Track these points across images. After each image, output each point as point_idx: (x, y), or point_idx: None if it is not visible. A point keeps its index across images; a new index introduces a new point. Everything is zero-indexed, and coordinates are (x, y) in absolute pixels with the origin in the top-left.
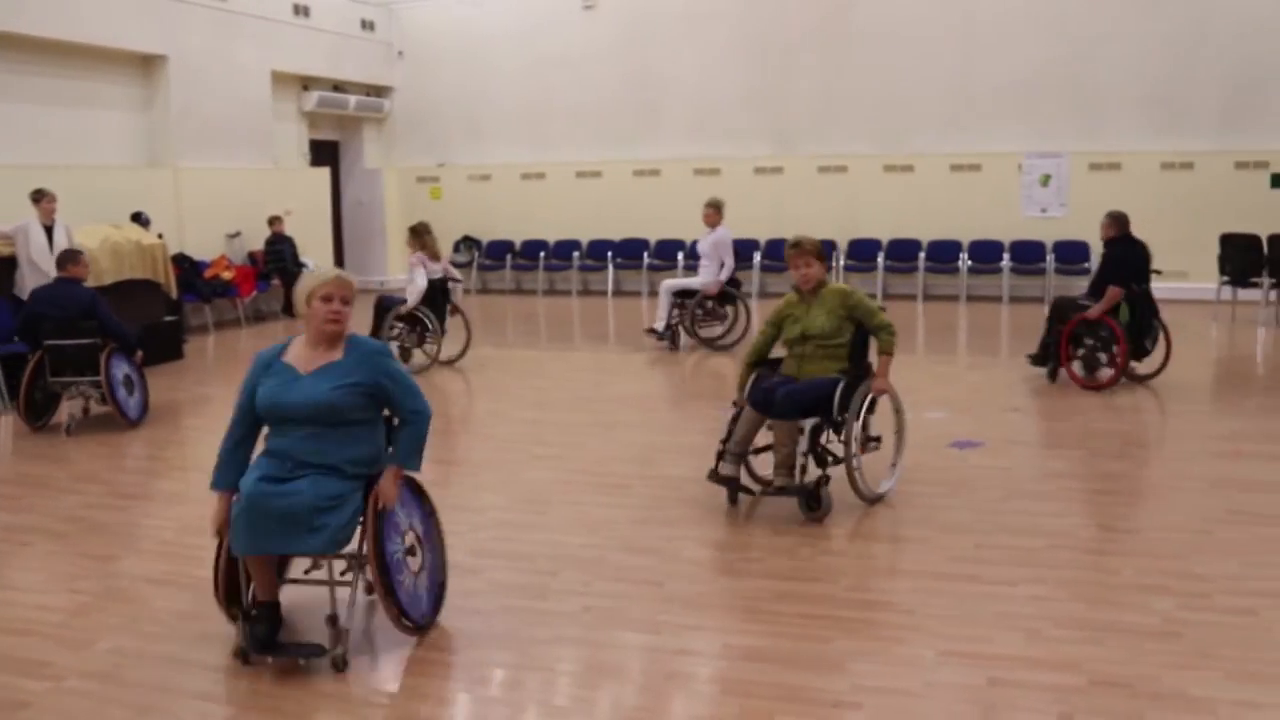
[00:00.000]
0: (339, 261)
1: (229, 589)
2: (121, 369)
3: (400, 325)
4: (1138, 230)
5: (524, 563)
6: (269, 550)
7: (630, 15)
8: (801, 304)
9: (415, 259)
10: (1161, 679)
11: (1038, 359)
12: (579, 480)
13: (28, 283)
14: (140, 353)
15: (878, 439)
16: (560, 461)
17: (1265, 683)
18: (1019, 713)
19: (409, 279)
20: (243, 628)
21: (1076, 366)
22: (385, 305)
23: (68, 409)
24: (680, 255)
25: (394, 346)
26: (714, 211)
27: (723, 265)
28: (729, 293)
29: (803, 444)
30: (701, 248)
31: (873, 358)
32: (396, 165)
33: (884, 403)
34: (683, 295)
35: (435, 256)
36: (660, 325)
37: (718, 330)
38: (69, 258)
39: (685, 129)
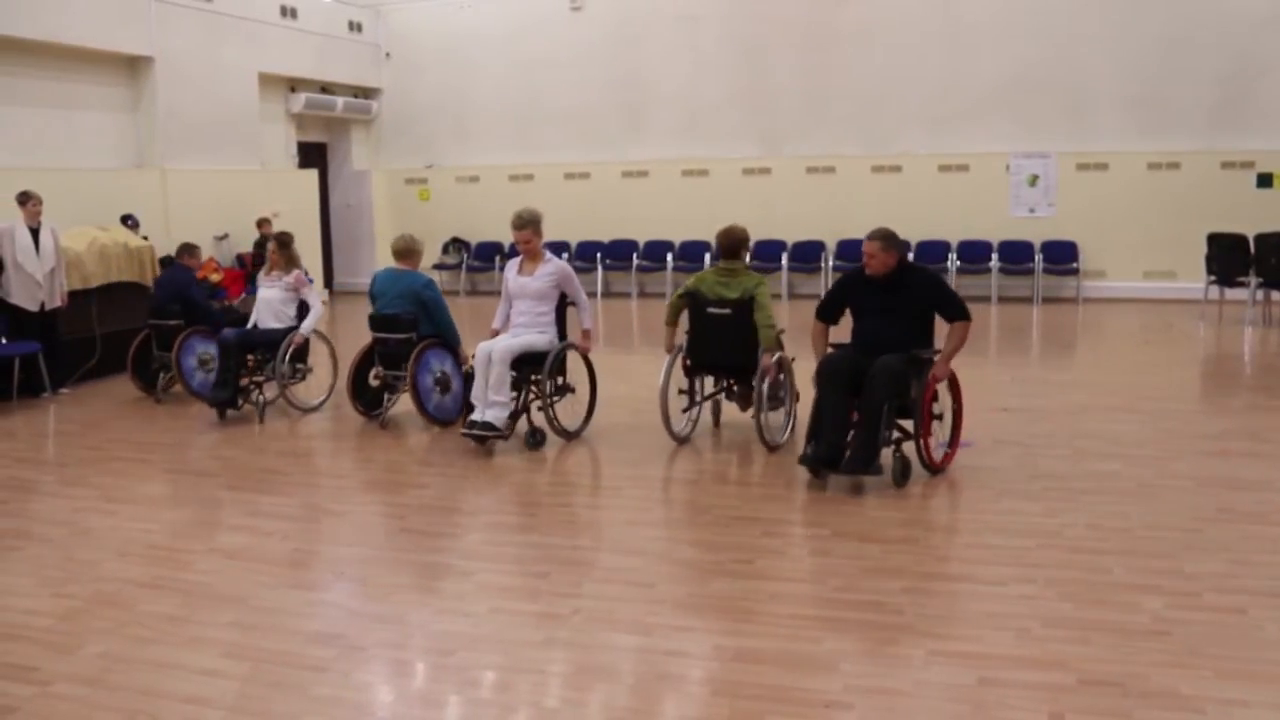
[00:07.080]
0: (327, 264)
1: None
2: (195, 352)
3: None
4: (1125, 229)
5: (514, 565)
6: None
7: (618, 16)
8: None
9: (301, 277)
10: (1151, 678)
11: (825, 456)
12: (568, 482)
13: (12, 285)
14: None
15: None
16: (549, 464)
17: (1254, 681)
18: (1009, 712)
19: (299, 299)
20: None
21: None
22: (253, 340)
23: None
24: (669, 256)
25: (275, 388)
26: (535, 233)
27: (566, 305)
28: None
29: None
30: (535, 286)
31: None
32: (384, 167)
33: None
34: (522, 364)
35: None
36: (499, 414)
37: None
38: (184, 249)
39: (673, 130)
